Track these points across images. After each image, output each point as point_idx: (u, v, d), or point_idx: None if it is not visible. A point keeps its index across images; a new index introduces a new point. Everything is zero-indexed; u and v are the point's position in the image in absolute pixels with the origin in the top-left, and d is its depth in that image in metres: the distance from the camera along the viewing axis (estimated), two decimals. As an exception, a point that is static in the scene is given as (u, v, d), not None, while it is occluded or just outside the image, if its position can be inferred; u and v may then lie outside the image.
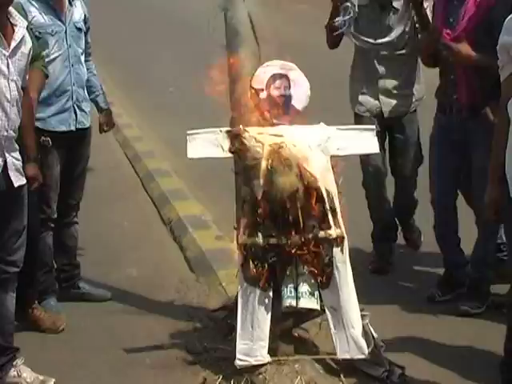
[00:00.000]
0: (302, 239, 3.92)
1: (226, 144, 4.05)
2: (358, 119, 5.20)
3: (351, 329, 3.96)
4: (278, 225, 3.95)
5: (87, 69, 5.01)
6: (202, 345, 4.30)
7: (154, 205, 6.96)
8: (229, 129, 4.10)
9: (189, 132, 4.12)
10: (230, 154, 4.07)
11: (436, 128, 4.87)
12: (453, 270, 4.90)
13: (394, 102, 5.18)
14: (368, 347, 3.97)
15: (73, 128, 4.81)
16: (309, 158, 3.97)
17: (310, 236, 3.93)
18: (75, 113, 4.80)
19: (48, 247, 4.91)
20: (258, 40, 4.24)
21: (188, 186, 7.18)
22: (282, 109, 4.09)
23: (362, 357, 3.99)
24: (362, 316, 4.01)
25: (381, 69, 5.15)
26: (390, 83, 5.17)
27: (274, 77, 4.09)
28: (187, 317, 4.74)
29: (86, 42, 5.01)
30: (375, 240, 5.45)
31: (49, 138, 4.68)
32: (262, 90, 4.08)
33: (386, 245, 5.41)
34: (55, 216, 4.91)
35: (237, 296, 4.08)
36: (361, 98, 5.22)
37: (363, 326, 3.98)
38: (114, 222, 6.47)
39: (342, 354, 4.00)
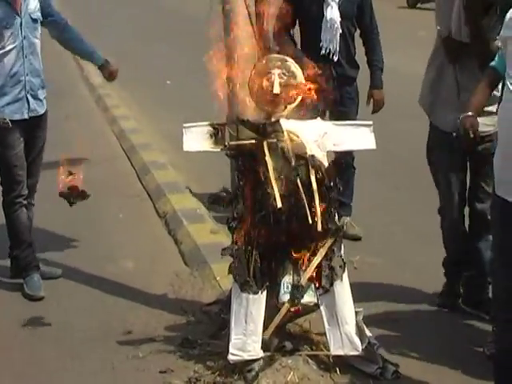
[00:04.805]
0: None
1: (223, 137, 4.03)
2: None
3: (345, 325, 3.95)
4: (276, 220, 3.93)
5: (71, 34, 5.23)
6: (195, 339, 4.30)
7: (149, 198, 6.94)
8: (225, 122, 4.08)
9: (185, 125, 4.11)
10: (226, 148, 4.05)
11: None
12: None
13: None
14: (362, 344, 3.96)
15: (26, 116, 4.99)
16: (306, 152, 3.96)
17: (309, 230, 3.92)
18: (28, 102, 4.98)
19: (23, 224, 5.09)
20: (255, 33, 4.23)
21: (184, 179, 7.16)
22: (278, 105, 4.06)
23: (356, 353, 3.98)
24: (356, 312, 4.00)
25: None
26: None
27: (272, 73, 4.06)
28: (181, 311, 4.73)
29: (59, 17, 5.19)
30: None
31: (8, 120, 4.89)
32: (260, 83, 4.06)
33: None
34: (26, 192, 5.07)
35: (231, 290, 4.07)
36: None
37: (357, 323, 3.98)
38: (109, 214, 6.45)
39: (335, 350, 3.99)
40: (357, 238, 5.72)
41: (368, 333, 4.01)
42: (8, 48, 4.86)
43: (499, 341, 3.72)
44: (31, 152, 5.10)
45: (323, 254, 3.96)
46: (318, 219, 3.88)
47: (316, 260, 3.96)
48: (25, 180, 5.05)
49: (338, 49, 5.50)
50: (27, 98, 4.96)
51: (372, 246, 5.67)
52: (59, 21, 5.21)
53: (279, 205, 3.80)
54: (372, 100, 5.75)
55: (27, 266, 5.11)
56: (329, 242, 3.96)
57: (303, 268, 3.98)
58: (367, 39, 5.74)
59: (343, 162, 5.61)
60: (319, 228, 3.87)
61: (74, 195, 4.59)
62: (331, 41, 5.46)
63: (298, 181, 3.88)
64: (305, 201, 3.87)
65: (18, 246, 5.13)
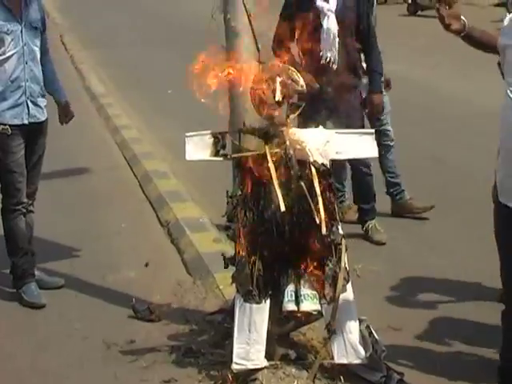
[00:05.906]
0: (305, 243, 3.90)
1: (225, 147, 4.03)
2: None
3: (349, 334, 3.94)
4: (279, 231, 3.92)
5: (45, 64, 5.21)
6: (199, 348, 4.28)
7: (151, 207, 6.94)
8: (228, 131, 4.08)
9: (187, 134, 4.11)
10: (229, 158, 4.05)
11: None
12: None
13: None
14: (366, 352, 3.95)
15: (26, 122, 5.02)
16: (309, 160, 3.95)
17: (312, 240, 3.91)
18: (28, 107, 5.01)
19: (21, 231, 5.11)
20: (257, 40, 4.22)
21: (186, 188, 7.16)
22: (280, 113, 4.06)
23: (359, 362, 3.96)
24: (360, 321, 3.99)
25: None
26: None
27: (274, 81, 4.05)
28: (184, 320, 4.72)
29: (44, 42, 5.21)
30: None
31: (8, 126, 4.92)
32: (261, 91, 4.05)
33: None
34: (25, 200, 5.08)
35: (234, 299, 4.06)
36: None
37: (361, 331, 3.96)
38: (111, 223, 6.45)
39: (339, 359, 3.98)
40: (381, 243, 5.80)
41: (376, 336, 4.00)
42: (9, 54, 4.92)
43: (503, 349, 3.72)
44: (31, 159, 5.11)
45: (327, 263, 3.95)
46: (323, 222, 3.86)
47: (320, 269, 3.95)
48: (24, 187, 5.06)
49: (337, 57, 5.53)
50: (27, 104, 4.99)
51: (374, 253, 5.66)
52: (45, 45, 5.24)
53: (283, 208, 3.80)
54: (371, 104, 5.80)
55: (23, 274, 5.11)
56: (332, 252, 3.95)
57: (307, 277, 3.97)
58: (363, 45, 5.77)
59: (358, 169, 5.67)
60: (324, 231, 3.86)
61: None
62: (330, 50, 5.51)
63: (303, 184, 3.88)
64: (310, 200, 3.86)
65: (15, 253, 5.13)
